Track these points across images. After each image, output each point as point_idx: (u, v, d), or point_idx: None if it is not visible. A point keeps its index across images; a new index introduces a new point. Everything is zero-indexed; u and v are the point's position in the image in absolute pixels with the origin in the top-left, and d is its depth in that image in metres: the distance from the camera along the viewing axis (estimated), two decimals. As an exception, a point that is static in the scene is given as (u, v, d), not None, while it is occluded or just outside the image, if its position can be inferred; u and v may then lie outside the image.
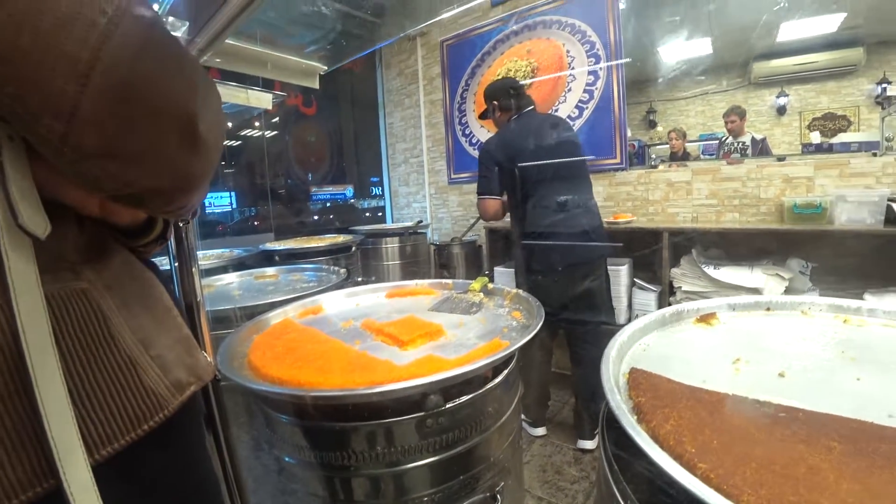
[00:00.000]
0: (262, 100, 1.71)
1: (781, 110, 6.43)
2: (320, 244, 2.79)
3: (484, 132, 3.22)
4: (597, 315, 1.99)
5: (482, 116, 2.22)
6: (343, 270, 2.01)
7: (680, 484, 0.43)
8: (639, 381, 0.65)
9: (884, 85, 5.20)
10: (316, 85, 1.55)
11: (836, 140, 4.67)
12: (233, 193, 4.07)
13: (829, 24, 5.54)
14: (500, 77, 3.14)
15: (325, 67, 1.52)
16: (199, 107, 0.43)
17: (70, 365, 0.42)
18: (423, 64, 3.71)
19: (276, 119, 4.28)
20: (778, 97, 6.41)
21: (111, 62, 0.34)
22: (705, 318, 0.89)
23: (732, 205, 2.25)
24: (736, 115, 4.14)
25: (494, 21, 3.20)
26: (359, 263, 2.95)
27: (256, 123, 4.02)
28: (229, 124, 3.93)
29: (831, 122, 6.17)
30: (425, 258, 3.07)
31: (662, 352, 0.78)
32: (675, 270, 2.13)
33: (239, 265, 2.45)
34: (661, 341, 0.82)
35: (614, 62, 2.60)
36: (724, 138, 4.29)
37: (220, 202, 3.99)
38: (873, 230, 1.83)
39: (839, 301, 0.91)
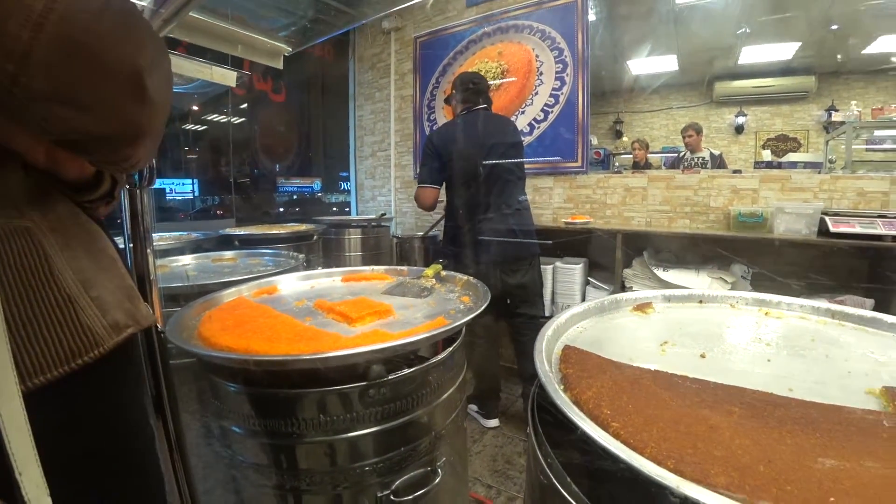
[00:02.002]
0: (227, 77, 1.68)
1: (739, 129, 6.75)
2: (282, 231, 2.76)
3: (452, 129, 3.26)
4: (531, 309, 2.07)
5: (446, 101, 2.26)
6: (302, 256, 2.00)
7: (593, 438, 0.47)
8: (569, 356, 0.68)
9: (830, 111, 5.52)
10: (280, 65, 1.54)
11: (784, 159, 4.94)
12: (195, 181, 3.96)
13: (785, 51, 5.85)
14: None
15: (290, 49, 1.51)
16: (148, 65, 0.45)
17: (8, 296, 0.44)
18: (396, 59, 3.72)
19: (244, 105, 4.19)
20: (737, 116, 6.72)
21: (66, 13, 0.37)
22: (641, 307, 0.94)
23: (684, 212, 2.35)
24: (693, 131, 4.28)
25: (468, 21, 3.24)
26: (320, 253, 2.92)
27: (224, 109, 3.93)
28: (195, 107, 3.83)
29: (783, 143, 6.53)
30: (387, 251, 3.07)
31: (597, 334, 0.82)
32: (627, 271, 2.22)
33: (196, 248, 2.40)
34: (597, 325, 0.87)
35: (581, 70, 2.68)
36: (682, 154, 4.45)
37: (181, 189, 3.88)
38: (808, 240, 1.95)
39: (762, 296, 0.97)
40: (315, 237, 2.83)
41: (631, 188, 2.50)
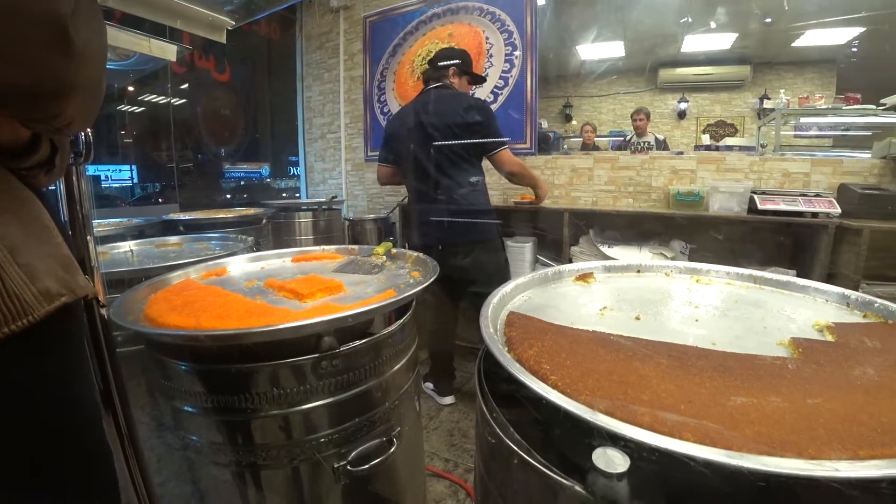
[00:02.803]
0: (166, 50, 1.61)
1: (682, 114, 7.05)
2: (229, 215, 2.67)
3: (403, 111, 3.23)
4: (484, 288, 2.07)
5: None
6: (251, 238, 1.95)
7: (532, 389, 0.49)
8: (513, 320, 0.71)
9: (763, 99, 5.85)
10: (223, 39, 1.48)
11: (722, 143, 5.23)
12: (134, 167, 3.75)
13: (723, 41, 6.14)
14: (422, 56, 3.16)
15: (233, 22, 1.45)
16: (71, 14, 0.43)
17: None
18: (345, 39, 3.63)
19: (186, 85, 3.99)
20: (679, 102, 7.02)
21: None
22: (583, 277, 0.98)
23: (628, 191, 2.45)
24: (643, 115, 4.45)
25: (418, 1, 3.20)
26: (270, 237, 2.86)
27: (163, 89, 3.72)
28: (130, 87, 3.61)
29: (721, 129, 6.88)
30: (339, 234, 3.04)
31: (541, 302, 0.86)
32: (574, 248, 2.30)
33: (138, 235, 2.29)
34: (541, 294, 0.90)
35: (529, 52, 2.72)
36: (629, 137, 4.61)
37: (119, 176, 3.66)
38: (739, 217, 2.09)
39: (694, 265, 1.04)
40: (264, 221, 2.76)
41: (577, 169, 2.58)
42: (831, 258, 2.09)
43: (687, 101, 6.88)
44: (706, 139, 5.77)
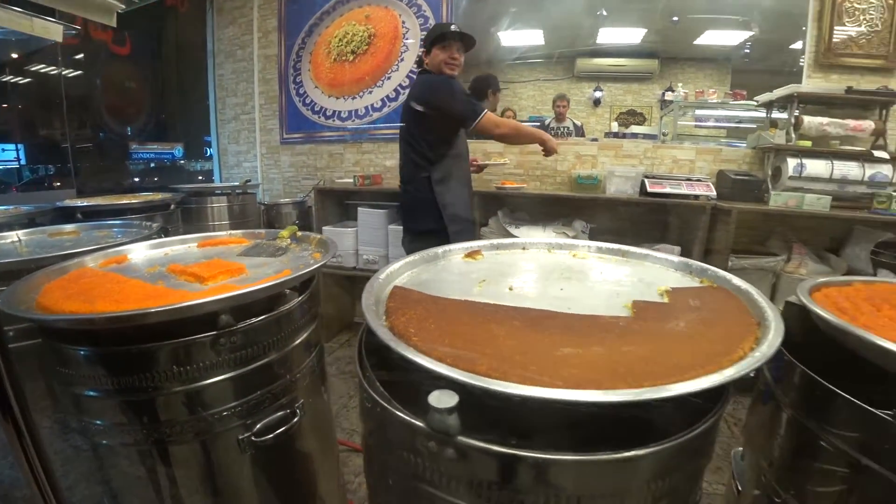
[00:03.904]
0: (51, 30, 1.49)
1: (597, 102, 7.40)
2: (133, 201, 2.53)
3: (318, 93, 3.19)
4: None
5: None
6: (156, 225, 1.88)
7: (394, 349, 0.56)
8: (395, 294, 0.78)
9: (665, 92, 6.30)
10: (113, 23, 1.41)
11: (629, 131, 5.60)
12: (21, 146, 3.40)
13: (634, 35, 6.53)
14: (339, 37, 3.12)
15: (123, 6, 1.39)
16: None
17: None
18: (259, 14, 3.50)
19: (81, 56, 3.65)
20: (595, 91, 7.37)
21: None
22: (471, 255, 1.08)
23: (535, 175, 2.61)
24: (565, 101, 4.67)
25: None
26: (180, 223, 2.74)
27: (52, 59, 3.38)
28: (14, 55, 3.26)
29: (632, 118, 7.31)
30: (254, 218, 2.97)
31: (428, 277, 0.94)
32: (484, 229, 2.42)
33: (28, 224, 2.11)
34: (430, 271, 0.98)
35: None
36: (548, 122, 4.78)
37: (2, 157, 3.31)
38: (632, 199, 2.30)
39: (571, 241, 1.17)
40: (172, 207, 2.64)
41: (489, 153, 2.69)
42: (709, 235, 2.35)
43: (601, 91, 7.23)
44: (615, 126, 6.14)
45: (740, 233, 2.57)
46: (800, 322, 0.84)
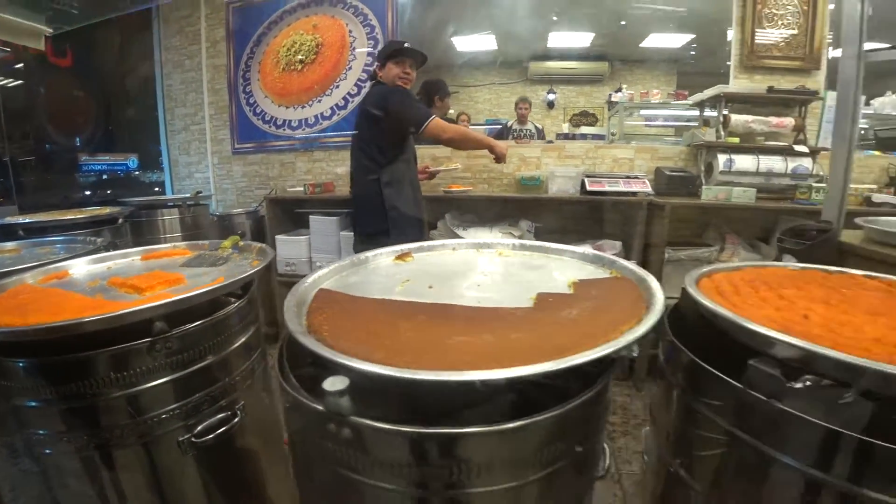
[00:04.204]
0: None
1: (551, 105, 7.66)
2: (78, 216, 2.48)
3: (268, 103, 3.21)
4: None
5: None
6: (101, 240, 1.87)
7: (303, 344, 0.62)
8: (318, 295, 0.84)
9: (611, 94, 6.56)
10: (41, 46, 1.41)
11: (579, 132, 5.80)
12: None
13: (583, 39, 6.77)
14: (286, 46, 3.15)
15: (51, 30, 1.39)
16: None
17: None
18: (207, 24, 3.49)
19: (20, 66, 3.53)
20: (548, 93, 7.60)
21: None
22: (402, 257, 1.14)
23: (483, 177, 2.70)
24: (527, 104, 4.80)
25: (283, -11, 3.18)
26: (129, 237, 2.70)
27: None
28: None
29: (585, 118, 7.60)
30: (207, 230, 2.96)
31: (356, 280, 1.00)
32: (433, 232, 2.50)
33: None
34: (359, 273, 1.05)
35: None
36: (510, 124, 4.90)
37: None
38: (573, 198, 2.41)
39: (498, 240, 1.25)
40: (120, 221, 2.60)
41: (437, 157, 2.77)
42: (647, 230, 2.49)
43: (555, 93, 7.49)
44: (565, 128, 6.34)
45: (678, 226, 2.73)
46: (695, 306, 0.93)
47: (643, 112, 5.04)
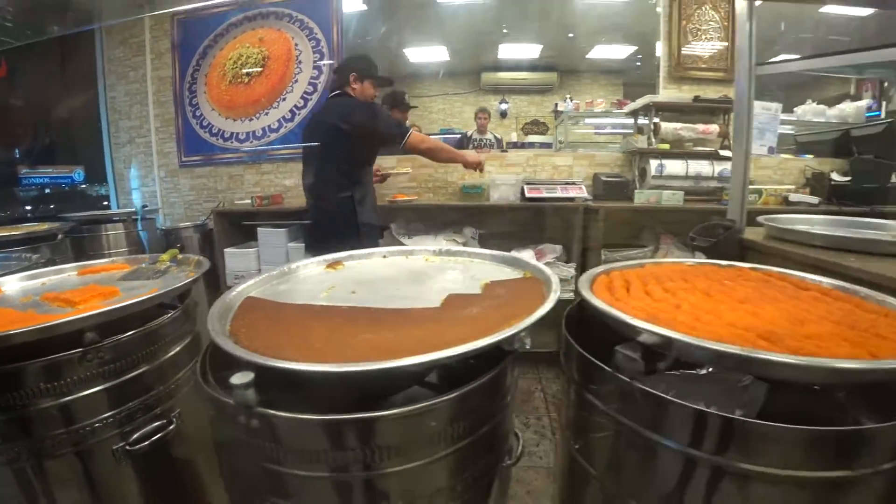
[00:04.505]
0: None
1: (504, 114, 7.87)
2: (14, 233, 2.42)
3: (215, 115, 3.21)
4: None
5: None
6: (37, 256, 1.85)
7: (221, 347, 0.68)
8: (244, 303, 0.90)
9: (558, 103, 6.82)
10: None
11: (527, 140, 6.02)
12: None
13: (532, 51, 7.01)
14: (233, 59, 3.16)
15: None
16: None
17: None
18: (151, 36, 3.45)
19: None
20: (500, 103, 7.81)
21: None
22: (332, 265, 1.21)
23: (428, 187, 2.79)
24: (486, 114, 4.91)
25: (229, 3, 3.19)
26: (70, 253, 2.65)
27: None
28: None
29: (536, 127, 7.84)
30: (154, 245, 2.92)
31: (285, 288, 1.06)
32: (380, 241, 2.56)
33: None
34: (289, 282, 1.11)
35: (337, 60, 2.90)
36: (471, 134, 5.01)
37: None
38: (514, 204, 2.53)
39: (428, 247, 1.33)
40: (60, 237, 2.55)
41: (384, 168, 2.85)
42: (584, 233, 2.63)
43: (507, 103, 7.71)
44: (514, 136, 6.54)
45: (616, 228, 2.89)
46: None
47: (588, 121, 5.27)
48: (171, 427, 1.07)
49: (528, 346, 0.75)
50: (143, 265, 1.45)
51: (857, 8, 3.43)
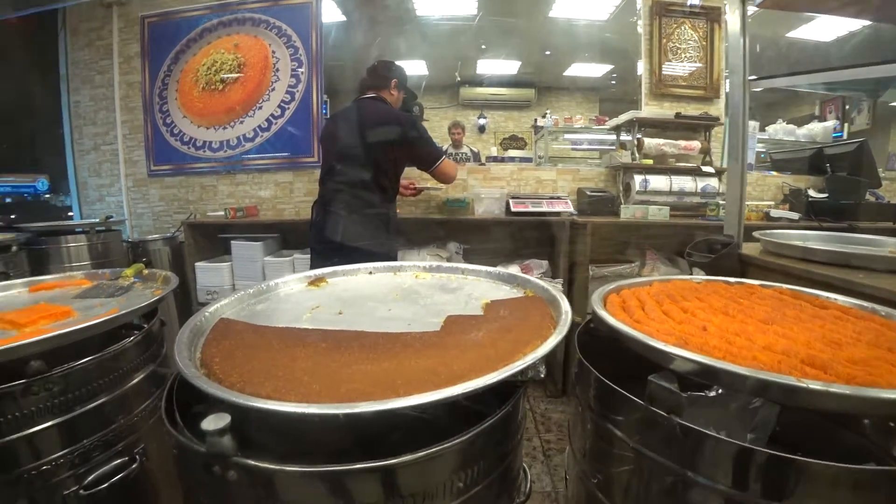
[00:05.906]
0: None
1: (482, 129, 7.90)
2: (-39, 245, 2.24)
3: (187, 123, 3.07)
4: None
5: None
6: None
7: (191, 380, 0.58)
8: (217, 326, 0.80)
9: (537, 119, 6.88)
10: None
11: (507, 155, 6.03)
12: None
13: (511, 67, 7.08)
14: (207, 65, 3.04)
15: None
16: None
17: None
18: (120, 38, 3.30)
19: None
20: (479, 118, 7.84)
21: None
22: (315, 282, 1.11)
23: (410, 200, 2.71)
24: (460, 128, 4.89)
25: (202, 7, 3.08)
26: (26, 266, 2.46)
27: None
28: None
29: (514, 142, 7.89)
30: (120, 258, 2.75)
31: (265, 307, 0.96)
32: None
33: None
34: (270, 300, 1.01)
35: (315, 69, 2.82)
36: (447, 148, 4.98)
37: None
38: (499, 218, 2.47)
39: (418, 263, 1.25)
40: (14, 249, 2.37)
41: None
42: (571, 248, 2.58)
43: (485, 118, 7.75)
44: (494, 151, 6.56)
45: (602, 244, 2.86)
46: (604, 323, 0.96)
47: (567, 136, 5.30)
48: (135, 465, 0.96)
49: (542, 375, 0.68)
50: (104, 281, 1.32)
51: (855, 19, 3.52)
